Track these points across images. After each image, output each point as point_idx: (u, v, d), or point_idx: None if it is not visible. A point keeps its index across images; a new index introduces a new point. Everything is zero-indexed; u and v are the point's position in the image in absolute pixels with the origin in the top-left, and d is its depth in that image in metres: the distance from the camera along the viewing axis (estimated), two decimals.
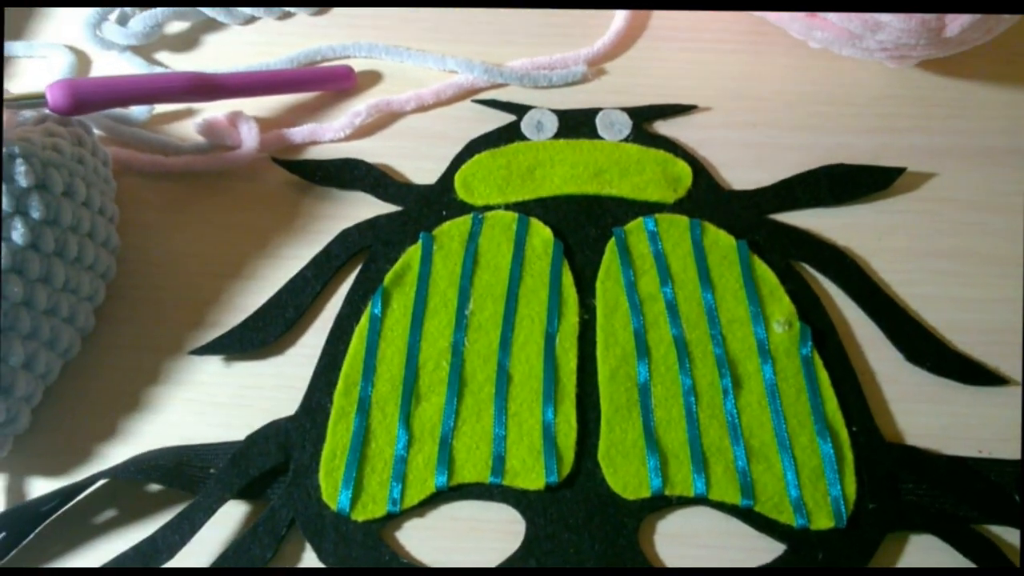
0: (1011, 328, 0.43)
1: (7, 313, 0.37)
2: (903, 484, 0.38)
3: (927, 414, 0.41)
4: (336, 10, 0.55)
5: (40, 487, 0.40)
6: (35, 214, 0.38)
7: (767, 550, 0.37)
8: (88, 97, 0.42)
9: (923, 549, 0.37)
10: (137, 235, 0.46)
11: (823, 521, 0.37)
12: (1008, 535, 0.37)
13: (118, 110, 0.49)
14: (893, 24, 0.43)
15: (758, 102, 0.50)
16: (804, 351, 0.41)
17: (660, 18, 0.54)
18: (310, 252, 0.45)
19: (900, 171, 0.47)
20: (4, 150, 0.37)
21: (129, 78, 0.44)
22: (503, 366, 0.41)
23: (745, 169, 0.48)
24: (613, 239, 0.45)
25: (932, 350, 0.42)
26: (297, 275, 0.45)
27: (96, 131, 0.48)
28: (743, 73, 0.51)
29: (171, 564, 0.37)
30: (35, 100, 0.42)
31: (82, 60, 0.53)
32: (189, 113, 0.51)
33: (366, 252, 0.45)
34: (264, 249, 0.46)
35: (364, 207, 0.47)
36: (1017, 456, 0.39)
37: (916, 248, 0.45)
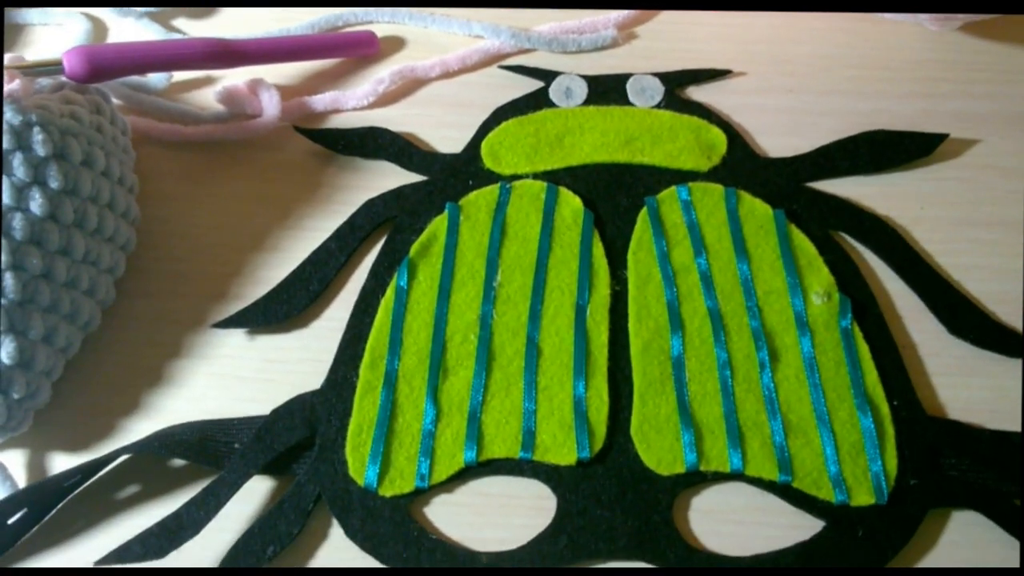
0: None
1: (26, 285, 0.36)
2: (945, 459, 0.37)
3: (970, 387, 0.40)
4: None
5: (62, 462, 0.39)
6: (54, 184, 0.37)
7: (805, 527, 0.36)
8: (105, 64, 0.41)
9: (966, 525, 0.36)
10: (157, 206, 0.45)
11: (863, 497, 0.36)
12: None
13: (136, 78, 0.48)
14: None
15: (794, 66, 0.49)
16: (843, 323, 0.40)
17: None
18: (334, 223, 0.44)
19: (942, 137, 0.45)
20: (22, 118, 0.36)
21: (146, 44, 0.43)
22: (532, 339, 0.40)
23: (781, 136, 0.46)
24: (645, 208, 0.43)
25: (975, 322, 0.41)
26: (321, 247, 0.44)
27: (115, 100, 0.47)
28: (779, 36, 0.50)
29: (196, 540, 0.36)
30: (52, 68, 0.41)
31: (98, 27, 0.52)
32: (208, 81, 0.50)
33: (391, 223, 0.44)
34: (287, 220, 0.45)
35: (389, 177, 0.46)
36: None
37: (959, 217, 0.44)
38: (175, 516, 0.37)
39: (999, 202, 0.44)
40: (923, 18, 0.45)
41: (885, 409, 0.38)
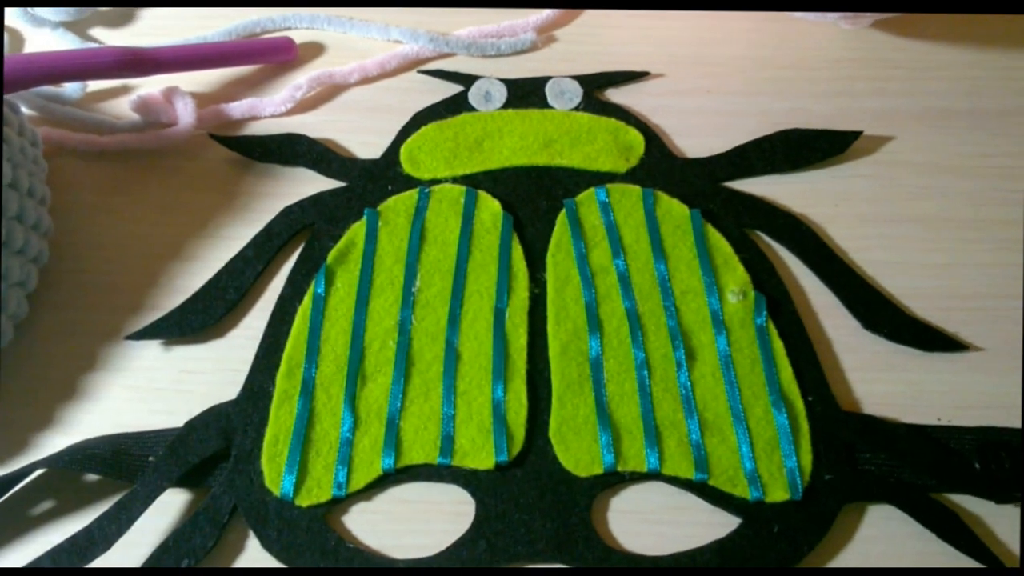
0: (970, 294, 0.42)
1: None
2: (860, 454, 0.38)
3: (885, 382, 0.40)
4: None
5: None
6: None
7: (722, 524, 0.37)
8: (13, 75, 0.41)
9: (881, 519, 0.37)
10: (72, 218, 0.45)
11: (778, 493, 0.36)
12: (968, 504, 0.37)
13: (50, 89, 0.47)
14: None
15: (712, 67, 0.49)
16: (759, 321, 0.40)
17: None
18: (251, 231, 0.44)
19: (856, 135, 0.46)
20: None
21: (55, 54, 0.42)
22: (451, 344, 0.40)
23: (699, 136, 0.47)
24: (564, 211, 0.43)
25: (889, 317, 0.41)
26: (237, 255, 0.43)
27: (26, 111, 0.46)
28: (697, 38, 0.50)
29: (108, 555, 0.35)
30: None
31: (14, 38, 0.51)
32: (125, 90, 0.49)
33: (309, 230, 0.44)
34: (204, 229, 0.44)
35: (307, 183, 0.45)
36: (977, 423, 0.38)
37: (873, 213, 0.44)
38: (86, 531, 0.36)
39: (912, 197, 0.45)
40: (834, 16, 0.46)
41: (800, 405, 0.38)
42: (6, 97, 0.42)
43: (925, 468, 0.37)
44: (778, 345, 0.40)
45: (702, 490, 0.37)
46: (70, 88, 0.48)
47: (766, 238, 0.43)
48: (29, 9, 0.50)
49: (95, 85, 0.49)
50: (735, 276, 0.41)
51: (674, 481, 0.37)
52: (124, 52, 0.44)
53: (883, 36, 0.50)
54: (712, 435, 0.38)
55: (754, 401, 0.38)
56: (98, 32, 0.52)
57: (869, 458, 0.38)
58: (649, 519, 0.37)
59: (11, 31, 0.51)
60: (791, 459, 0.37)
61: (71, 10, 0.50)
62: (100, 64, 0.43)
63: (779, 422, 0.38)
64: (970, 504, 0.37)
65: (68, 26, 0.51)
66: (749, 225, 0.43)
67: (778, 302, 0.41)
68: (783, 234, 0.43)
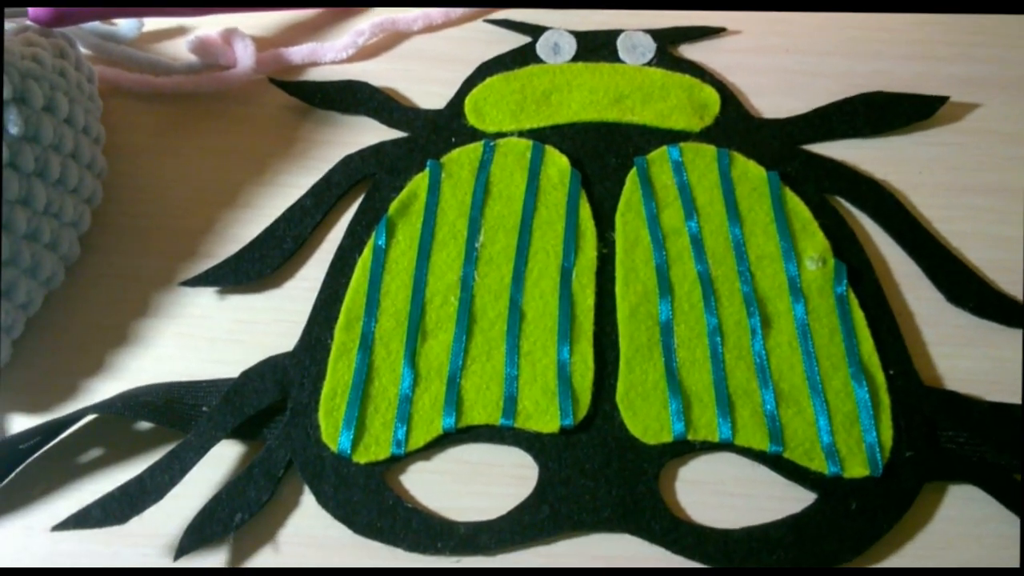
0: None
1: None
2: (942, 431, 0.36)
3: (968, 357, 0.38)
4: None
5: (22, 424, 0.37)
6: (12, 129, 0.35)
7: (797, 499, 0.35)
8: (70, 6, 0.39)
9: (963, 499, 0.35)
10: (125, 159, 0.43)
11: (857, 469, 0.35)
12: None
13: (105, 27, 0.46)
14: None
15: (790, 26, 0.47)
16: (839, 290, 0.38)
17: None
18: (310, 180, 0.43)
19: (943, 100, 0.44)
20: None
21: None
22: (515, 302, 0.39)
23: (777, 96, 0.45)
24: (634, 169, 0.42)
25: (974, 290, 0.39)
26: (295, 204, 0.42)
27: (82, 49, 0.45)
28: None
29: (159, 506, 0.34)
30: (15, 11, 0.39)
31: None
32: (181, 31, 0.48)
33: (369, 180, 0.43)
34: (261, 176, 0.43)
35: (368, 133, 0.44)
36: None
37: (958, 183, 0.43)
38: (138, 480, 0.35)
39: (1000, 168, 0.43)
40: None
41: (881, 379, 0.37)
42: (62, 31, 0.41)
43: (1009, 448, 0.35)
44: (859, 315, 0.38)
45: (776, 463, 0.36)
46: (126, 27, 0.46)
47: (847, 204, 0.42)
48: None
49: (151, 25, 0.48)
50: (814, 242, 0.40)
51: (747, 452, 0.36)
52: None
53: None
54: (788, 406, 0.36)
55: (833, 373, 0.37)
56: None
57: (951, 436, 0.36)
58: (720, 491, 0.36)
59: None
60: (871, 434, 0.35)
61: None
62: None
63: (859, 395, 0.36)
64: None
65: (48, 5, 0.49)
66: (829, 190, 0.42)
67: (859, 271, 0.39)
68: (865, 201, 0.42)
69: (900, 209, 0.41)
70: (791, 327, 0.38)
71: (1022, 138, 0.44)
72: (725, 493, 0.36)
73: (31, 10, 0.39)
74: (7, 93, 0.35)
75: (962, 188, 0.42)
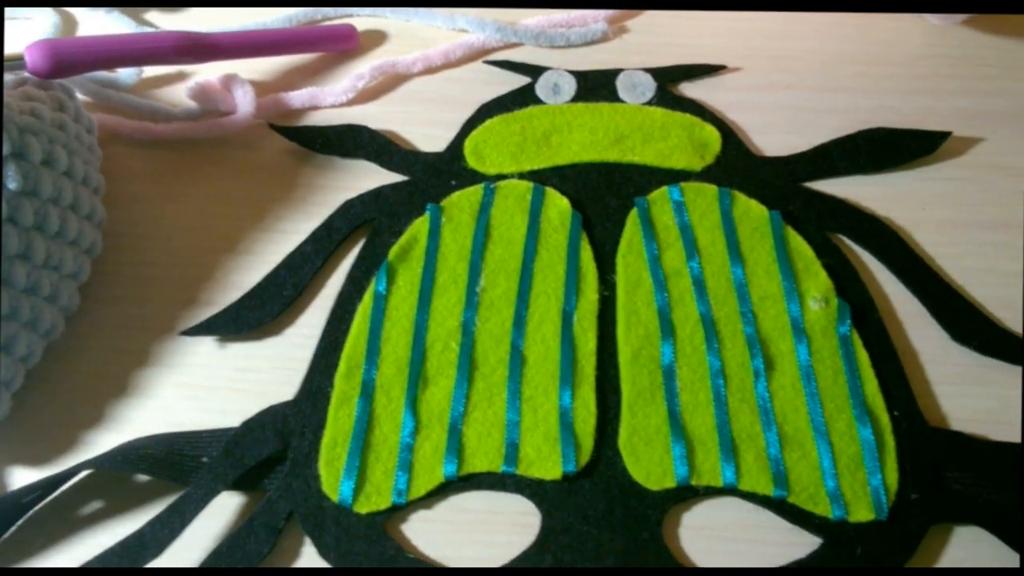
0: None
1: None
2: (948, 472, 0.36)
3: (974, 397, 0.38)
4: None
5: (22, 477, 0.37)
6: (12, 184, 0.35)
7: (802, 544, 0.35)
8: (69, 58, 0.40)
9: (969, 542, 0.35)
10: (125, 208, 0.44)
11: (862, 513, 0.35)
12: None
13: (104, 74, 0.46)
14: None
15: (791, 62, 0.47)
16: (842, 330, 0.38)
17: None
18: (310, 225, 0.43)
19: (945, 136, 0.44)
20: None
21: (113, 37, 0.41)
22: (517, 347, 0.38)
23: (778, 134, 0.45)
24: (635, 210, 0.42)
25: (979, 328, 0.39)
26: (296, 250, 0.42)
27: (81, 96, 0.45)
28: (775, 30, 0.48)
29: (161, 560, 0.34)
30: (13, 63, 0.39)
31: (68, 22, 0.50)
32: (181, 77, 0.48)
33: (370, 225, 0.43)
34: (261, 222, 0.43)
35: (368, 177, 0.44)
36: None
37: (962, 219, 0.42)
38: (138, 535, 0.35)
39: (1004, 203, 0.43)
40: (925, 11, 0.44)
41: (885, 420, 0.36)
42: (61, 82, 0.41)
43: (1015, 488, 0.35)
44: (863, 356, 0.38)
45: (780, 507, 0.35)
46: (125, 74, 0.47)
47: (849, 242, 0.42)
48: None
49: (150, 71, 0.48)
50: (817, 282, 0.39)
51: (751, 497, 0.35)
52: (182, 37, 0.43)
53: (972, 33, 0.48)
54: (792, 450, 0.36)
55: (837, 415, 0.36)
56: (153, 17, 0.51)
57: (957, 477, 0.36)
58: (723, 536, 0.35)
59: (64, 14, 0.50)
60: (876, 476, 0.35)
61: None
62: (157, 49, 0.43)
63: (863, 437, 0.36)
64: None
65: (123, 10, 0.50)
66: (831, 228, 0.42)
67: (862, 310, 0.39)
68: (867, 238, 0.41)
69: (903, 246, 0.41)
70: (794, 368, 0.38)
71: None
72: (729, 539, 0.35)
73: (29, 62, 0.39)
74: (6, 148, 0.35)
75: (965, 224, 0.42)
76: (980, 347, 0.39)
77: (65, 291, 0.39)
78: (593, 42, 0.48)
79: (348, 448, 0.37)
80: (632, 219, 0.42)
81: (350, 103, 0.47)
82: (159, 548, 0.34)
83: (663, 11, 0.49)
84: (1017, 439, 0.37)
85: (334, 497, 0.36)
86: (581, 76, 0.46)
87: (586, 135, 0.44)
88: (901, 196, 0.43)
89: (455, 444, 0.36)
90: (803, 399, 0.37)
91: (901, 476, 0.35)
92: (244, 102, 0.45)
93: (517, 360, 0.38)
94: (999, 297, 0.40)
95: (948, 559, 0.34)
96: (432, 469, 0.36)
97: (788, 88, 0.46)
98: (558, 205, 0.42)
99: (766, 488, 0.35)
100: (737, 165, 0.43)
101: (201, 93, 0.45)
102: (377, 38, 0.49)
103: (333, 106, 0.47)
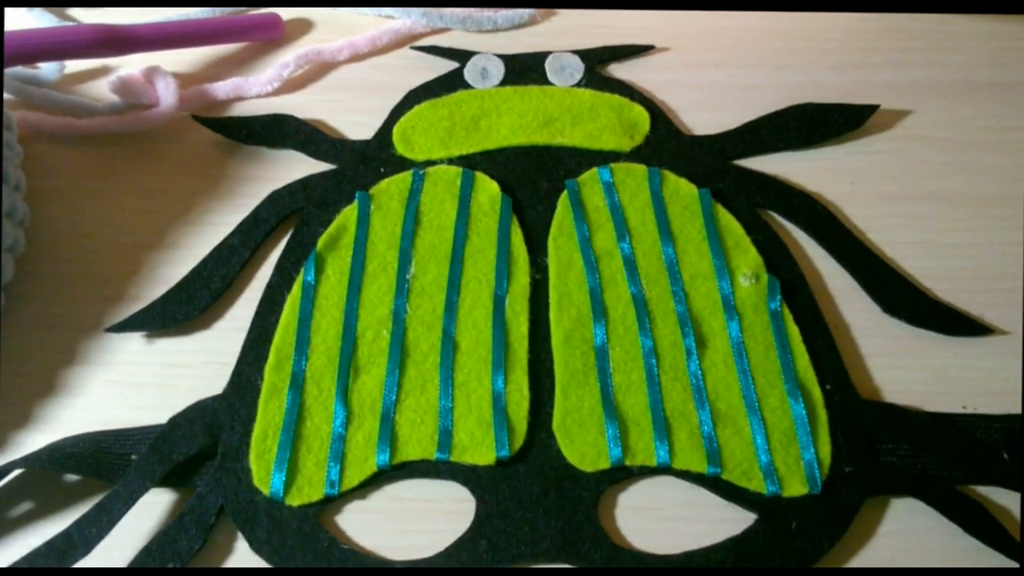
0: (995, 274, 0.40)
1: None
2: (882, 445, 0.36)
3: (906, 369, 0.38)
4: None
5: None
6: None
7: (737, 520, 0.35)
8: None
9: (905, 513, 0.35)
10: (49, 205, 0.43)
11: (796, 487, 0.35)
12: (996, 496, 0.35)
13: (27, 71, 0.45)
14: None
15: (720, 40, 0.47)
16: (772, 305, 0.38)
17: None
18: (237, 217, 0.42)
19: (873, 108, 0.44)
20: None
21: (30, 32, 0.41)
22: (448, 333, 0.38)
23: (707, 112, 0.45)
24: (566, 192, 0.42)
25: (910, 300, 0.39)
26: (223, 242, 0.41)
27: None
28: (703, 9, 0.48)
29: (89, 559, 0.33)
30: None
31: None
32: (104, 71, 0.47)
33: (298, 215, 0.42)
34: (187, 215, 0.43)
35: (295, 167, 0.43)
36: (1005, 411, 0.37)
37: (892, 191, 0.42)
38: (65, 534, 0.34)
39: (932, 174, 0.43)
40: None
41: (817, 394, 0.36)
42: None
43: (950, 459, 0.35)
44: (793, 331, 0.38)
45: (715, 484, 0.35)
46: (47, 69, 0.46)
47: (779, 218, 0.42)
48: None
49: (73, 66, 0.47)
50: (747, 259, 0.39)
51: (685, 475, 0.35)
52: (102, 29, 0.42)
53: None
54: (725, 426, 0.36)
55: (769, 390, 0.36)
56: (76, 12, 0.50)
57: (891, 449, 0.36)
58: (659, 516, 0.35)
59: None
60: (809, 451, 0.35)
61: None
62: (77, 42, 0.42)
63: (796, 412, 0.36)
64: (998, 496, 0.35)
65: (45, 5, 0.49)
66: (761, 205, 0.42)
67: (793, 285, 0.39)
68: (797, 214, 0.41)
69: (832, 221, 0.41)
70: (726, 346, 0.38)
71: (954, 143, 0.43)
72: (665, 518, 0.35)
73: None
74: None
75: (895, 196, 0.42)
76: (911, 319, 0.39)
77: None
78: (521, 25, 0.48)
79: (279, 440, 0.36)
80: (563, 201, 0.41)
81: (276, 93, 0.46)
82: (87, 547, 0.34)
83: None
84: (950, 409, 0.37)
85: (266, 490, 0.35)
86: (509, 60, 0.46)
87: (515, 118, 0.44)
88: (830, 171, 0.43)
89: (387, 433, 0.36)
90: (735, 376, 0.37)
91: (834, 450, 0.35)
92: (167, 94, 0.44)
93: (449, 346, 0.38)
94: (930, 268, 0.40)
95: (884, 531, 0.35)
96: (365, 459, 0.36)
97: (716, 67, 0.46)
98: (488, 190, 0.42)
99: (700, 466, 0.35)
100: (666, 145, 0.43)
101: (123, 87, 0.44)
102: (302, 26, 0.49)
103: (259, 96, 0.46)
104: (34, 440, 0.37)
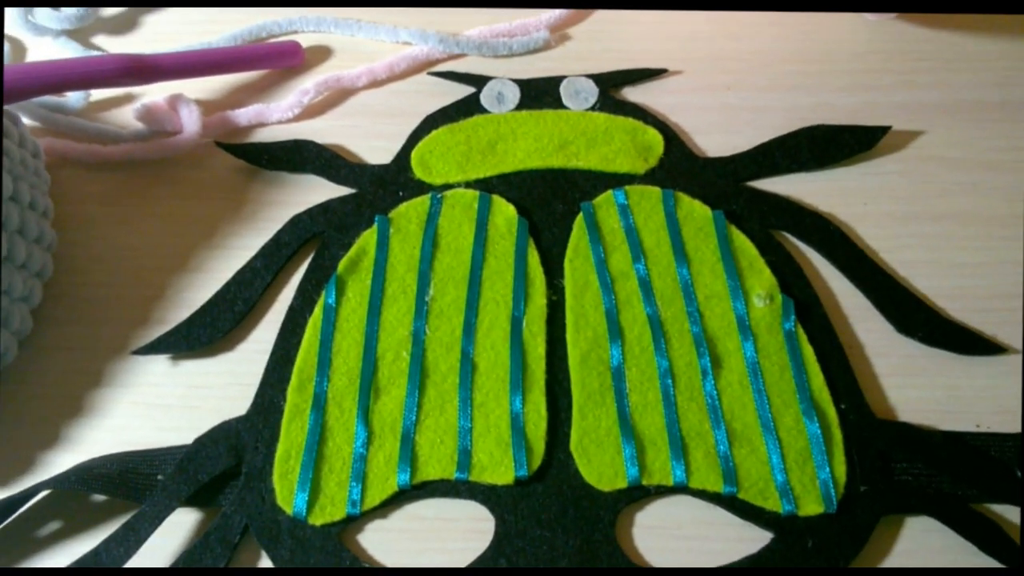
0: (1008, 293, 0.40)
1: None
2: (897, 464, 0.36)
3: (921, 388, 0.38)
4: None
5: None
6: None
7: (753, 539, 0.35)
8: (14, 85, 0.40)
9: (920, 532, 0.35)
10: (76, 230, 0.44)
11: (812, 506, 0.35)
12: (1011, 514, 0.35)
13: (52, 99, 0.46)
14: None
15: (732, 63, 0.48)
16: (787, 326, 0.39)
17: None
18: (259, 241, 0.43)
19: (885, 130, 0.44)
20: None
21: (57, 62, 0.42)
22: (467, 354, 0.39)
23: (720, 135, 0.45)
24: (581, 214, 0.42)
25: (923, 319, 0.39)
26: (246, 266, 0.42)
27: (29, 121, 0.45)
28: (715, 33, 0.49)
29: None
30: None
31: (16, 48, 0.50)
32: (128, 99, 0.48)
33: (319, 239, 0.43)
34: (210, 240, 0.43)
35: (316, 191, 0.44)
36: (1018, 429, 0.37)
37: (904, 211, 0.43)
38: (93, 554, 0.35)
39: (944, 194, 0.43)
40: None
41: (832, 413, 0.37)
42: (6, 108, 0.41)
43: (965, 477, 0.35)
44: (808, 351, 0.38)
45: (731, 504, 0.36)
46: (73, 98, 0.47)
47: (793, 239, 0.42)
48: (31, 17, 0.49)
49: (98, 94, 0.48)
50: (761, 279, 0.40)
51: (702, 495, 0.36)
52: (127, 59, 0.43)
53: (909, 27, 0.48)
54: (741, 446, 0.36)
55: (784, 410, 0.37)
56: (101, 40, 0.51)
57: (906, 468, 0.36)
58: (676, 535, 0.36)
59: (12, 40, 0.50)
60: (824, 470, 0.35)
61: (72, 17, 0.49)
62: (102, 72, 0.43)
63: (811, 431, 0.36)
64: (1012, 514, 0.35)
65: (70, 34, 0.50)
66: (774, 226, 0.42)
67: (807, 306, 0.40)
68: (810, 235, 0.42)
69: (845, 241, 0.41)
70: (741, 366, 0.38)
71: (965, 163, 0.44)
72: (682, 536, 0.35)
73: None
74: None
75: (907, 217, 0.42)
76: (925, 338, 0.39)
77: (17, 315, 0.39)
78: (536, 50, 0.49)
79: (301, 461, 0.37)
80: (578, 224, 0.42)
81: (296, 119, 0.47)
82: (115, 566, 0.34)
83: (604, 16, 0.50)
84: (964, 428, 0.37)
85: (289, 510, 0.36)
86: (524, 84, 0.47)
87: (531, 142, 0.44)
88: (843, 191, 0.43)
89: (408, 453, 0.37)
90: (750, 396, 0.37)
91: (849, 469, 0.36)
92: (190, 121, 0.45)
93: (468, 367, 0.38)
94: (943, 287, 0.40)
95: (900, 550, 0.35)
96: (386, 479, 0.36)
97: (728, 89, 0.47)
98: (505, 212, 0.42)
99: (716, 485, 0.36)
100: (680, 167, 0.44)
101: (148, 114, 0.45)
102: (322, 53, 0.50)
103: (279, 122, 0.47)
104: (62, 461, 0.38)
